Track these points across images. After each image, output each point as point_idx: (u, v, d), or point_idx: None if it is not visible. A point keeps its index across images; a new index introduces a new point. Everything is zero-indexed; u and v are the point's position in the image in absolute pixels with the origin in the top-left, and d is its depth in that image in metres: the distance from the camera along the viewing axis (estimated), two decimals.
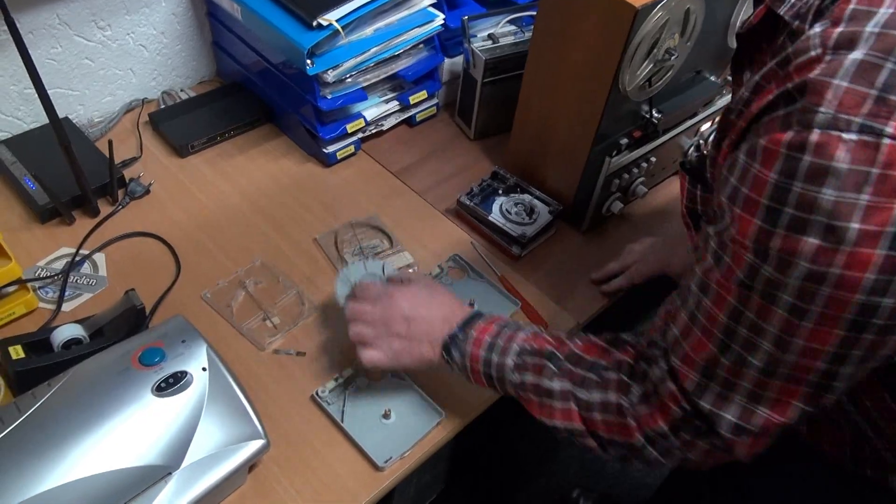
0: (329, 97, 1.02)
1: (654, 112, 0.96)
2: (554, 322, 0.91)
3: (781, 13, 0.51)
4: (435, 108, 1.21)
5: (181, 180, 1.07)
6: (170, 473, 0.67)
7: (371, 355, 0.74)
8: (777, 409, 0.53)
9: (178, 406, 0.69)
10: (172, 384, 0.69)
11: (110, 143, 0.97)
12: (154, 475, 0.66)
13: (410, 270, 0.96)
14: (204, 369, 0.72)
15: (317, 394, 0.81)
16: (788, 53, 0.47)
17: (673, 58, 0.87)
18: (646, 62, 0.86)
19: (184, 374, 0.71)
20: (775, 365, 0.50)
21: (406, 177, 1.11)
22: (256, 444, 0.71)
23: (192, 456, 0.68)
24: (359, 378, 0.83)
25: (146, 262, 0.95)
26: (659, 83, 0.91)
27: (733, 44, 0.97)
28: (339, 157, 1.11)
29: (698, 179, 0.73)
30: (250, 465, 0.73)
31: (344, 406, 0.80)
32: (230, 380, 0.73)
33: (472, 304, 0.91)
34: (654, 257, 0.94)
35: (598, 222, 1.05)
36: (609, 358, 0.64)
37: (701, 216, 0.73)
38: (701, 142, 0.72)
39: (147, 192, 1.04)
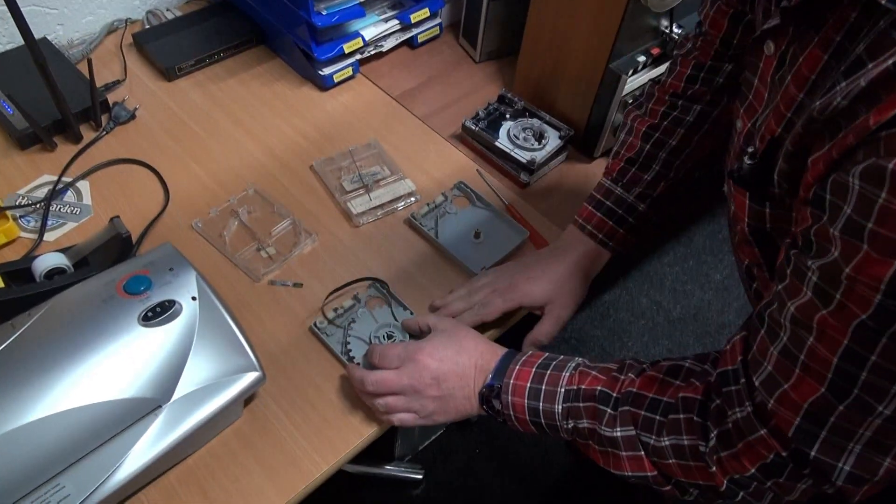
0: (324, 13, 0.95)
1: (674, 27, 0.89)
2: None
3: None
4: (438, 28, 1.13)
5: (168, 105, 1.01)
6: (160, 406, 0.63)
7: (404, 419, 0.69)
8: None
9: (166, 336, 0.65)
10: (160, 313, 0.65)
11: (90, 62, 0.90)
12: (143, 408, 0.62)
13: (412, 200, 0.91)
14: (194, 298, 0.68)
15: (315, 325, 0.77)
16: None
17: None
18: None
19: (172, 303, 0.66)
20: None
21: (408, 101, 1.04)
22: (251, 377, 0.67)
23: (182, 388, 0.64)
24: (359, 307, 0.79)
25: (133, 189, 0.90)
26: None
27: None
28: (336, 81, 1.04)
29: (757, 192, 0.57)
30: (246, 399, 0.70)
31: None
32: (222, 310, 0.69)
33: (477, 235, 0.87)
34: (511, 293, 0.77)
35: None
36: (672, 393, 0.57)
37: (771, 235, 0.58)
38: (752, 148, 0.57)
39: (132, 117, 0.98)
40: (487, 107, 0.98)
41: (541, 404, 0.63)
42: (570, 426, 0.62)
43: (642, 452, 0.57)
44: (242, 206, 0.88)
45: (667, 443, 0.55)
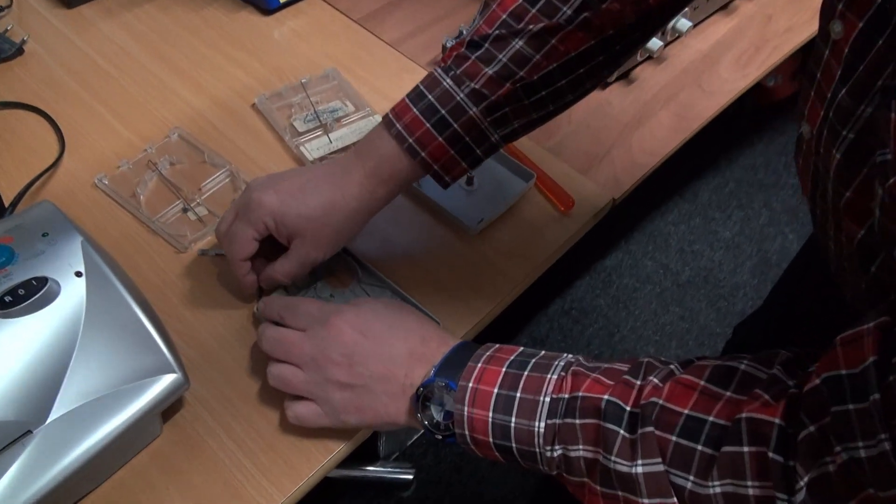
0: None
1: None
2: (583, 199, 0.68)
3: None
4: None
5: (67, 36, 0.79)
6: (29, 432, 0.43)
7: (299, 412, 0.49)
8: None
9: (35, 329, 0.45)
10: (24, 297, 0.45)
11: None
12: (4, 436, 0.43)
13: None
14: (79, 275, 0.48)
15: (260, 309, 0.57)
16: None
17: None
18: None
19: (43, 281, 0.46)
20: None
21: (373, 25, 0.84)
22: (166, 381, 0.48)
23: (63, 404, 0.44)
24: (319, 283, 0.60)
25: (18, 140, 0.69)
26: None
27: None
28: (281, 2, 0.83)
29: None
30: (165, 411, 0.50)
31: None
32: (122, 290, 0.49)
33: (469, 181, 0.67)
34: (256, 211, 0.53)
35: (630, 68, 0.80)
36: (724, 411, 0.37)
37: None
38: None
39: (20, 51, 0.76)
40: (473, 22, 0.78)
41: (513, 421, 0.43)
42: (555, 454, 0.42)
43: (674, 500, 0.38)
44: (163, 155, 0.68)
45: (717, 489, 0.36)
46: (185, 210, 0.64)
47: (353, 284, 0.61)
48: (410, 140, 0.52)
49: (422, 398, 0.46)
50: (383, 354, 0.48)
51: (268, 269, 0.56)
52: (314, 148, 0.69)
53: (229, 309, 0.58)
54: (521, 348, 0.46)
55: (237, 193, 0.65)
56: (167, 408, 0.50)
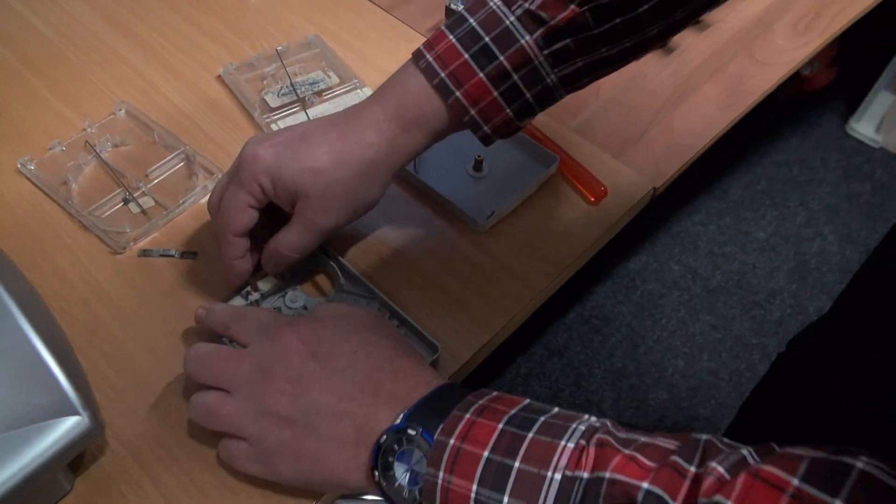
0: None
1: None
2: (617, 189, 0.55)
3: None
4: None
5: None
6: None
7: (230, 447, 0.37)
8: None
9: None
10: None
11: None
12: None
13: None
14: None
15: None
16: None
17: None
18: None
19: None
20: None
21: None
22: (65, 426, 0.35)
23: None
24: (290, 291, 0.48)
25: None
26: None
27: None
28: None
29: None
30: (74, 462, 0.38)
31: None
32: (13, 309, 0.37)
33: (478, 166, 0.55)
34: (252, 166, 0.42)
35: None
36: None
37: None
38: None
39: None
40: None
41: (505, 498, 0.30)
42: None
43: None
44: (105, 135, 0.56)
45: None
46: (126, 201, 0.52)
47: (332, 293, 0.48)
48: (443, 74, 0.40)
49: (383, 450, 0.33)
50: (339, 386, 0.35)
51: (270, 243, 0.44)
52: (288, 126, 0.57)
53: (174, 324, 0.46)
54: (528, 401, 0.34)
55: (194, 180, 0.53)
56: (77, 457, 0.37)
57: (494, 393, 0.35)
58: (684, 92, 0.64)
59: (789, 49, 0.69)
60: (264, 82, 0.60)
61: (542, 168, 0.55)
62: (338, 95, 0.59)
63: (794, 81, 1.56)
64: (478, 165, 0.55)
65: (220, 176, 0.53)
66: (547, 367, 1.24)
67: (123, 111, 0.58)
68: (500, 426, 0.32)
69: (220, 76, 0.61)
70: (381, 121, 0.42)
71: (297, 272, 0.48)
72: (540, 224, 0.53)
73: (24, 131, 0.56)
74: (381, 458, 0.34)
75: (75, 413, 0.35)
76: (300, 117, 0.57)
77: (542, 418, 0.32)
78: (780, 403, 0.70)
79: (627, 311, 1.33)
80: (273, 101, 0.58)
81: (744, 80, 0.66)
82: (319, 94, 0.59)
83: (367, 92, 0.59)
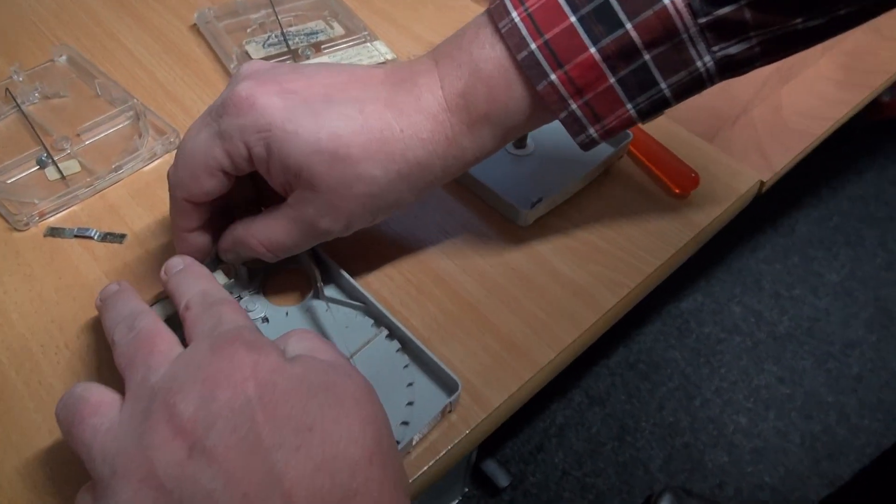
0: None
1: None
2: (711, 178, 0.40)
3: None
4: None
5: None
6: None
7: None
8: None
9: None
10: None
11: None
12: None
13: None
14: None
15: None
16: None
17: None
18: None
19: None
20: None
21: None
22: None
23: None
24: (250, 292, 0.33)
25: None
26: None
27: None
28: None
29: None
30: None
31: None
32: None
33: (522, 139, 0.40)
34: (237, 117, 0.27)
35: None
36: None
37: None
38: None
39: None
40: None
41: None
42: None
43: None
44: (34, 82, 0.43)
45: None
46: (41, 164, 0.38)
47: (307, 299, 0.34)
48: (534, 45, 0.26)
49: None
50: (265, 459, 0.21)
51: (238, 227, 0.30)
52: None
53: (90, 329, 0.32)
54: None
55: (137, 140, 0.40)
56: None
57: None
58: (793, 66, 0.50)
59: None
60: (248, 31, 0.47)
61: (608, 146, 0.41)
62: (340, 49, 0.46)
63: (872, 107, 1.40)
64: (521, 140, 0.41)
65: (172, 138, 0.40)
66: (587, 417, 1.07)
67: (65, 58, 0.45)
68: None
69: (194, 25, 0.48)
70: (440, 110, 0.28)
71: (256, 268, 0.34)
72: (604, 219, 0.38)
73: None
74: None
75: None
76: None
77: None
78: None
79: (680, 357, 1.15)
80: (256, 52, 0.45)
81: (866, 56, 0.51)
82: (317, 46, 0.46)
83: (380, 47, 0.46)
